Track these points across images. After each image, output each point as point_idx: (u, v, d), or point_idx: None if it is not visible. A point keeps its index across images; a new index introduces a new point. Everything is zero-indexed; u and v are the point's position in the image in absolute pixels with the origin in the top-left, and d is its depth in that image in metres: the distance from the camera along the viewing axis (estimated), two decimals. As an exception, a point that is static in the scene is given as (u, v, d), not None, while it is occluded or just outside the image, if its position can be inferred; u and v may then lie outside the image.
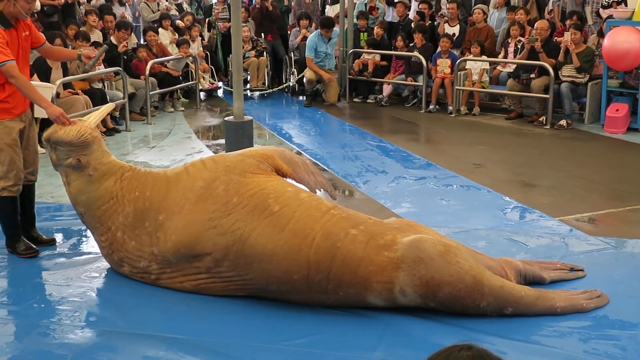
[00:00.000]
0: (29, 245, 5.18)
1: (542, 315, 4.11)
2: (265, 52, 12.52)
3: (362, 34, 12.21)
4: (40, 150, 6.24)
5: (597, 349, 3.79)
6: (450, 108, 10.73)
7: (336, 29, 11.79)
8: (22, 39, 5.07)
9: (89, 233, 5.02)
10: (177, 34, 12.16)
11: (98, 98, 9.09)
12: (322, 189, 4.68)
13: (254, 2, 13.71)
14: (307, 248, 4.06)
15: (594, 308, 4.20)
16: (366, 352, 3.78)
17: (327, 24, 11.62)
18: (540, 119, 9.94)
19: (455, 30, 11.54)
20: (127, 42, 10.52)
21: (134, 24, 12.92)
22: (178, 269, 4.41)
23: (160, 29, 12.00)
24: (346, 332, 3.98)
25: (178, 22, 12.80)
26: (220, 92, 13.01)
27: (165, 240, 4.36)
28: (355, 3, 12.91)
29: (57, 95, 8.18)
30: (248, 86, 12.37)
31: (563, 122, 9.67)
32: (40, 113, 5.41)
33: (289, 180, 4.57)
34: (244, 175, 4.37)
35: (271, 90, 12.54)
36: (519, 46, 10.42)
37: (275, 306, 4.24)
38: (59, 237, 5.48)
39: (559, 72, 9.84)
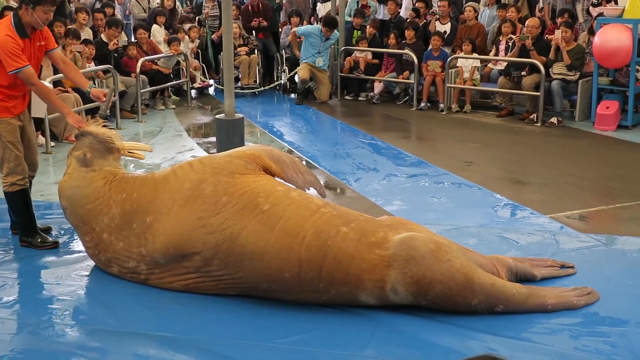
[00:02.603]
0: (44, 238, 5.28)
1: (533, 312, 4.12)
2: (256, 50, 12.50)
3: (355, 31, 12.20)
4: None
5: (587, 346, 3.80)
6: (442, 106, 10.74)
7: (337, 32, 11.74)
8: (35, 49, 5.17)
9: (80, 238, 4.99)
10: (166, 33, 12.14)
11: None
12: (311, 188, 4.68)
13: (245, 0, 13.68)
14: (298, 246, 4.05)
15: (584, 305, 4.21)
16: (358, 350, 3.78)
17: (330, 23, 11.51)
18: (531, 117, 9.97)
19: (446, 28, 11.55)
20: (117, 40, 10.49)
21: (124, 22, 12.87)
22: (166, 269, 4.39)
23: (154, 26, 11.98)
24: (338, 330, 3.97)
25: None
26: (211, 90, 12.98)
27: (154, 241, 4.35)
28: (347, 1, 12.90)
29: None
30: (239, 84, 12.35)
31: (554, 120, 9.70)
32: (36, 113, 5.45)
33: (277, 179, 4.56)
34: (232, 176, 4.36)
35: (262, 88, 12.52)
36: (510, 44, 10.43)
37: (267, 304, 4.24)
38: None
39: (550, 70, 9.86)
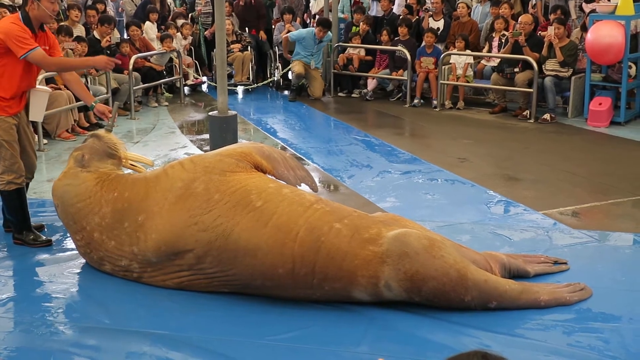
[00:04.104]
0: (37, 236, 5.28)
1: (526, 308, 4.13)
2: (249, 47, 12.48)
3: (354, 27, 12.19)
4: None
5: (580, 342, 3.81)
6: (435, 102, 10.75)
7: (330, 33, 11.72)
8: None
9: (70, 237, 4.98)
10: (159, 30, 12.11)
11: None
12: (302, 184, 4.68)
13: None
14: (291, 242, 4.06)
15: (577, 301, 4.23)
16: (351, 347, 3.78)
17: (324, 23, 11.49)
18: (524, 113, 9.98)
19: (439, 24, 11.55)
20: (110, 37, 10.46)
21: (116, 19, 12.83)
22: (159, 267, 4.39)
23: (147, 22, 11.94)
24: (331, 327, 3.98)
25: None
26: (204, 87, 12.96)
27: (146, 240, 4.34)
28: (340, -3, 12.90)
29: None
30: (232, 81, 12.33)
31: (547, 116, 9.72)
32: (34, 117, 5.42)
33: (269, 176, 4.56)
34: (223, 175, 4.36)
35: (256, 85, 12.50)
36: (503, 40, 10.45)
37: (260, 302, 4.24)
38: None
39: (543, 66, 9.88)
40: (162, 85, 11.58)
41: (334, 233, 4.07)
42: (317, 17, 13.07)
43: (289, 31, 12.25)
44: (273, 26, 13.44)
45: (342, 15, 12.80)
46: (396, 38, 11.40)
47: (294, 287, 4.14)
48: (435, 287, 3.98)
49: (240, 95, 12.31)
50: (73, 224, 4.65)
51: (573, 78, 9.76)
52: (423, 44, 11.03)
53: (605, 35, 9.11)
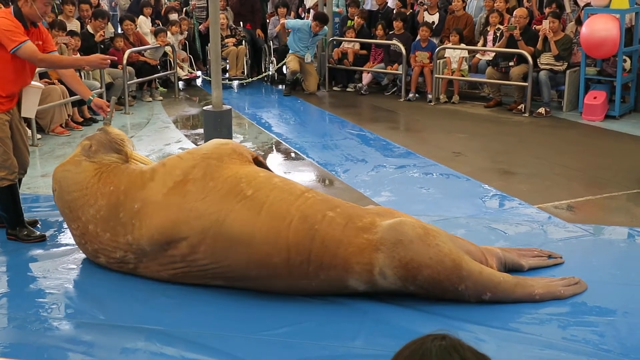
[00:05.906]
0: (31, 232, 5.26)
1: (520, 301, 4.12)
2: (244, 41, 12.45)
3: (349, 21, 12.18)
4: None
5: (575, 336, 3.81)
6: (430, 96, 10.75)
7: (326, 28, 11.69)
8: None
9: (66, 224, 4.97)
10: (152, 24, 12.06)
11: (75, 88, 8.98)
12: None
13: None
14: (285, 231, 4.06)
15: (572, 295, 4.23)
16: (346, 342, 3.77)
17: (321, 18, 11.48)
18: (519, 107, 9.99)
19: (434, 18, 11.55)
20: (104, 31, 10.42)
21: (110, 13, 12.79)
22: (152, 257, 4.38)
23: (141, 17, 11.91)
24: (326, 322, 3.96)
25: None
26: (199, 82, 12.93)
27: (141, 227, 4.34)
28: (335, -9, 12.87)
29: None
30: (227, 75, 12.31)
31: (542, 110, 9.72)
32: (26, 113, 5.39)
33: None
34: (221, 160, 4.41)
35: (250, 79, 12.48)
36: (498, 34, 10.44)
37: (255, 297, 4.23)
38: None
39: (538, 60, 9.88)
40: (157, 80, 11.55)
41: (327, 221, 4.07)
42: (311, 11, 13.06)
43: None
44: (267, 20, 13.43)
45: (336, 9, 12.79)
46: (391, 32, 11.40)
47: (290, 277, 4.12)
48: (430, 275, 3.97)
49: (235, 90, 12.29)
50: (69, 212, 4.65)
51: (568, 72, 9.77)
52: (418, 38, 11.02)
53: (600, 29, 9.11)
